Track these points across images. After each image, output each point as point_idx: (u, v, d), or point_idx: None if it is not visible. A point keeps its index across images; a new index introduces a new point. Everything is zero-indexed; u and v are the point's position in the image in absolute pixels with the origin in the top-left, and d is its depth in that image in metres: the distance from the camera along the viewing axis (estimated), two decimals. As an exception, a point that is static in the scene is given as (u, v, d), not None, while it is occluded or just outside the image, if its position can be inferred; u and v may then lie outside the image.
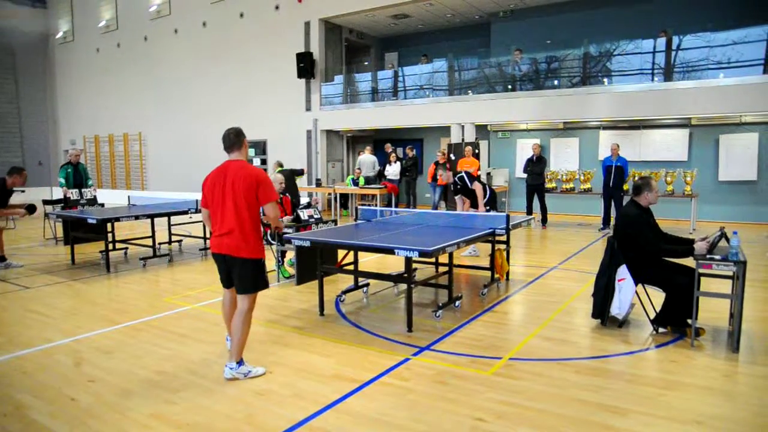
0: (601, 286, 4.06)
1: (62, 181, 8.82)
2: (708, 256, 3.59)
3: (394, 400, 2.94)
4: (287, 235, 4.75)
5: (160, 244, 7.35)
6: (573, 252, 7.39)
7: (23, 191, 13.80)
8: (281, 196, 5.99)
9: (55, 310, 4.87)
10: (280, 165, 9.77)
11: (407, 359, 3.52)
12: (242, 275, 3.23)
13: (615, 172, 8.86)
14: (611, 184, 8.93)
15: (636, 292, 3.97)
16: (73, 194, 8.64)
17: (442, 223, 5.63)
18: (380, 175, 12.10)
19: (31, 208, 6.46)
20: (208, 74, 15.50)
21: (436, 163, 11.14)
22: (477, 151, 10.64)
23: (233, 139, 3.31)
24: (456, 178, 6.82)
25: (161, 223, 7.47)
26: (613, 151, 8.96)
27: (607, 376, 3.27)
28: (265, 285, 3.33)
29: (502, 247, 5.60)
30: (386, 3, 12.13)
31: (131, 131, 18.01)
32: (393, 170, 11.75)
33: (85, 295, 5.39)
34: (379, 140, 14.18)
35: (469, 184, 6.76)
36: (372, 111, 12.86)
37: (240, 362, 3.28)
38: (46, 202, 9.32)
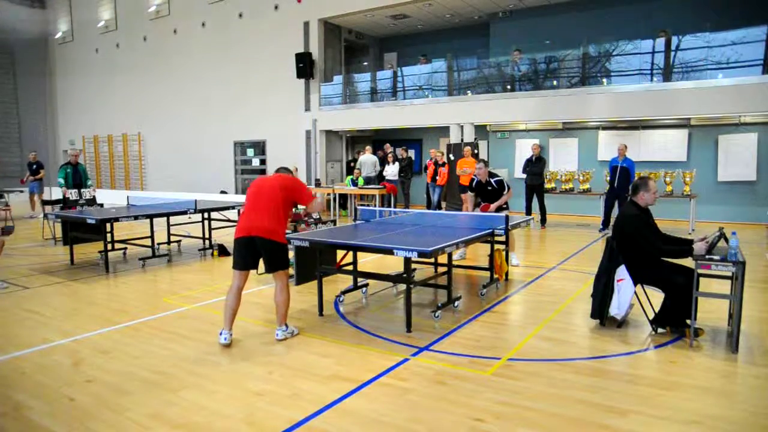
0: (600, 286, 4.06)
1: (61, 181, 8.82)
2: (707, 257, 3.58)
3: (393, 400, 2.94)
4: (286, 236, 4.75)
5: (159, 244, 7.33)
6: (572, 252, 7.39)
7: (22, 192, 13.79)
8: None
9: (53, 310, 4.86)
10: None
11: (406, 359, 3.52)
12: (274, 256, 3.89)
13: (620, 172, 8.81)
14: (616, 184, 8.89)
15: (635, 293, 3.97)
16: (72, 194, 8.63)
17: (441, 223, 5.63)
18: (379, 176, 12.11)
19: (7, 230, 5.79)
20: (208, 74, 15.50)
21: (435, 163, 11.16)
22: (476, 151, 10.65)
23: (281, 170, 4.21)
24: (494, 181, 6.43)
25: (160, 223, 7.46)
26: (620, 152, 8.88)
27: (606, 376, 3.27)
28: (288, 264, 4.02)
29: (501, 247, 5.59)
30: (385, 3, 12.13)
31: (130, 131, 18.00)
32: (392, 170, 11.76)
33: (83, 296, 5.38)
34: (378, 140, 14.18)
35: (504, 189, 6.48)
36: (371, 111, 12.86)
37: (286, 326, 3.97)
38: (45, 203, 9.31)
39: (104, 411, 2.85)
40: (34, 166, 12.17)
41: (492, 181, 6.47)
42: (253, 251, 3.85)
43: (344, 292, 5.00)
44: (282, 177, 4.01)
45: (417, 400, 2.94)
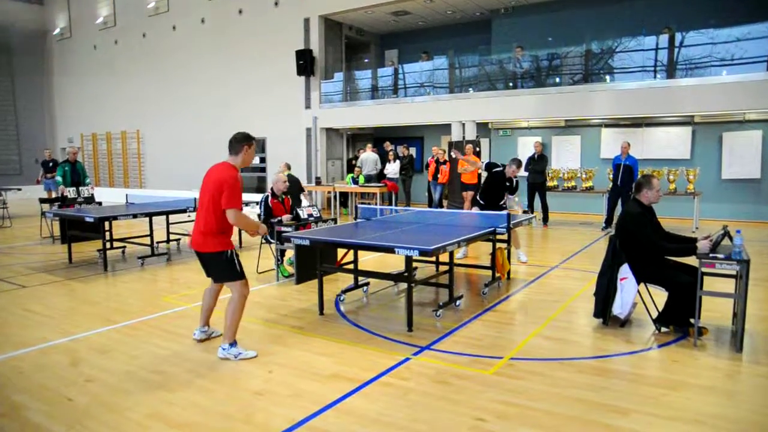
0: (602, 285, 4.03)
1: (59, 179, 8.79)
2: (711, 255, 3.55)
3: (394, 400, 2.92)
4: (286, 234, 4.72)
5: (158, 242, 7.29)
6: (574, 251, 7.35)
7: (20, 189, 13.75)
8: (282, 196, 5.98)
9: (52, 309, 4.83)
10: (289, 167, 9.25)
11: (407, 359, 3.50)
12: (213, 267, 3.59)
13: (623, 170, 8.75)
14: (619, 182, 8.83)
15: (638, 292, 3.94)
16: (70, 192, 8.59)
17: (443, 221, 5.59)
18: (380, 174, 12.07)
19: None
20: (207, 71, 15.44)
21: (437, 161, 11.11)
22: (478, 149, 10.60)
23: (232, 142, 3.53)
24: (515, 180, 6.53)
25: (159, 221, 7.42)
26: (623, 150, 8.82)
27: (608, 375, 3.25)
28: (236, 276, 3.52)
29: (503, 246, 5.56)
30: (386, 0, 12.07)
31: (129, 129, 17.93)
32: (393, 168, 11.72)
33: (82, 295, 5.35)
34: (379, 138, 14.14)
35: (517, 190, 6.61)
36: (372, 109, 12.80)
37: (232, 344, 3.53)
38: (42, 201, 9.23)
39: (103, 411, 2.83)
40: (50, 164, 12.14)
41: (514, 179, 6.51)
42: (202, 262, 3.59)
43: (345, 291, 4.97)
44: (221, 169, 3.40)
45: (418, 399, 2.92)
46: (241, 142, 3.50)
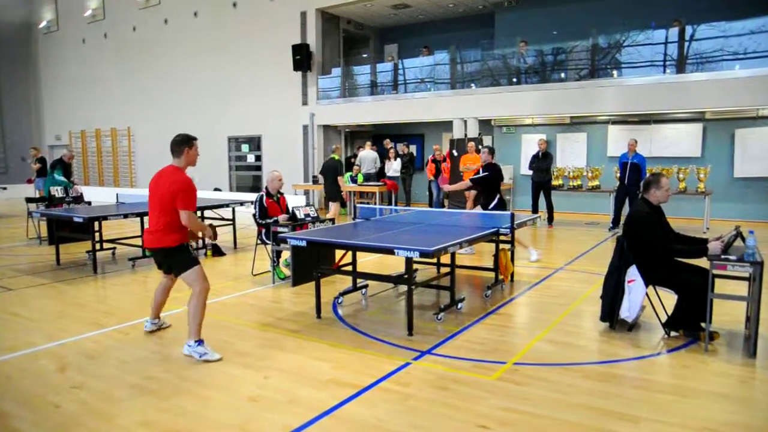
0: (610, 287, 3.96)
1: (61, 178, 8.73)
2: (723, 257, 3.48)
3: (394, 406, 2.87)
4: (283, 235, 4.65)
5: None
6: (581, 252, 7.26)
7: (5, 188, 13.52)
8: (278, 195, 5.89)
9: (39, 312, 4.77)
10: (333, 152, 9.31)
11: (407, 364, 3.44)
12: (171, 262, 3.69)
13: (630, 169, 8.64)
14: (626, 181, 8.71)
15: (646, 294, 3.86)
16: (58, 192, 8.49)
17: (444, 222, 5.51)
18: (379, 173, 11.97)
19: None
20: (200, 66, 15.23)
21: (435, 161, 11.00)
22: (480, 147, 10.47)
23: (172, 145, 3.71)
24: (481, 170, 6.45)
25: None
26: (630, 147, 8.73)
27: (616, 381, 3.18)
28: (192, 263, 3.64)
29: (507, 247, 5.47)
30: (386, -8, 11.93)
31: (119, 126, 17.68)
32: (394, 167, 11.62)
33: (70, 297, 5.27)
34: (378, 135, 14.02)
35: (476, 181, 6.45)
36: (371, 105, 12.68)
37: (198, 342, 3.54)
38: (29, 200, 9.06)
39: (91, 418, 2.77)
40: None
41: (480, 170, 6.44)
42: (157, 259, 3.77)
43: (343, 294, 4.91)
44: (169, 174, 3.61)
45: (419, 405, 2.87)
46: (180, 144, 3.66)
